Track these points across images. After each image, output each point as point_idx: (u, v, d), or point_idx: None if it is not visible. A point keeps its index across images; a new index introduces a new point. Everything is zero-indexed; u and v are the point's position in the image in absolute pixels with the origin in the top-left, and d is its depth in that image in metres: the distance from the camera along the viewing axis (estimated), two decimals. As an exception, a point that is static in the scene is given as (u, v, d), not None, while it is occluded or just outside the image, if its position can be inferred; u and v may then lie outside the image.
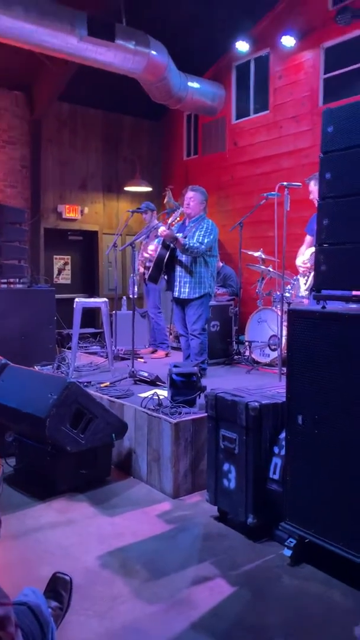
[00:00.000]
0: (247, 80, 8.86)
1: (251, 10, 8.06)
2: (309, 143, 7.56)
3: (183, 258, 4.92)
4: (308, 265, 5.11)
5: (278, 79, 8.21)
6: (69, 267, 9.98)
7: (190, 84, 8.42)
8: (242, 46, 8.24)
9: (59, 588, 2.20)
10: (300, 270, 5.30)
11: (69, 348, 5.79)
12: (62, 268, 9.89)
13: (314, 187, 4.92)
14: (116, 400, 4.15)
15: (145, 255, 6.00)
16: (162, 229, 4.90)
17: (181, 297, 4.97)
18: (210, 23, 7.92)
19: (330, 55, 7.56)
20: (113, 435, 3.71)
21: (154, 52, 7.33)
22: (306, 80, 7.80)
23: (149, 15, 7.44)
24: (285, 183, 5.07)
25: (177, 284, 4.98)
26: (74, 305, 5.23)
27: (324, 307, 2.56)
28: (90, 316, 8.50)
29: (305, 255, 5.21)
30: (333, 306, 2.61)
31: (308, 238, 5.26)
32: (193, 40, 8.23)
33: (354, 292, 2.61)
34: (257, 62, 8.67)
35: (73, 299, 5.39)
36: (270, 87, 8.36)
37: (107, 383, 4.67)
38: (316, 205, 2.72)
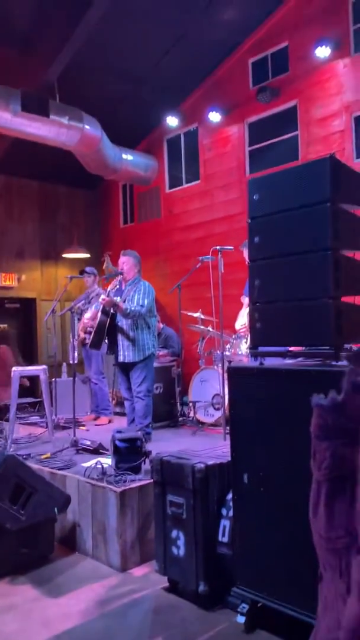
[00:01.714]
0: (179, 152, 9.34)
1: (179, 88, 8.63)
2: (239, 209, 7.95)
3: (124, 322, 4.94)
4: (247, 326, 5.25)
5: (207, 150, 8.71)
6: (6, 335, 9.75)
7: (124, 156, 8.79)
8: (172, 121, 8.74)
9: None
10: (241, 332, 5.43)
11: (7, 420, 5.56)
12: (-1, 337, 9.64)
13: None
14: (58, 471, 3.99)
15: (86, 321, 5.99)
16: (102, 297, 4.95)
17: (125, 361, 4.95)
18: (141, 99, 8.38)
19: (253, 130, 8.14)
20: (55, 509, 3.54)
21: (87, 127, 7.64)
22: (233, 152, 8.32)
23: (82, 92, 7.79)
24: (218, 247, 5.29)
25: (120, 348, 4.96)
26: (11, 375, 5.09)
27: (261, 364, 2.63)
28: (29, 384, 8.25)
29: (244, 317, 5.35)
30: (270, 362, 2.68)
31: (246, 300, 5.43)
32: (125, 115, 8.66)
33: (290, 348, 2.71)
34: (186, 135, 9.18)
35: (11, 367, 5.25)
36: (200, 158, 8.84)
37: (48, 454, 4.49)
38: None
